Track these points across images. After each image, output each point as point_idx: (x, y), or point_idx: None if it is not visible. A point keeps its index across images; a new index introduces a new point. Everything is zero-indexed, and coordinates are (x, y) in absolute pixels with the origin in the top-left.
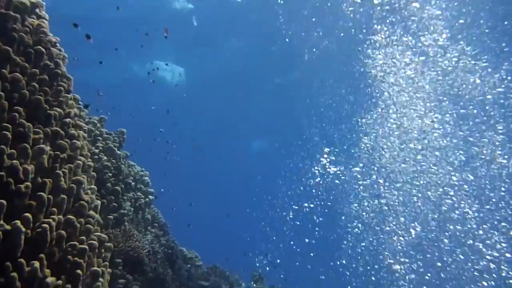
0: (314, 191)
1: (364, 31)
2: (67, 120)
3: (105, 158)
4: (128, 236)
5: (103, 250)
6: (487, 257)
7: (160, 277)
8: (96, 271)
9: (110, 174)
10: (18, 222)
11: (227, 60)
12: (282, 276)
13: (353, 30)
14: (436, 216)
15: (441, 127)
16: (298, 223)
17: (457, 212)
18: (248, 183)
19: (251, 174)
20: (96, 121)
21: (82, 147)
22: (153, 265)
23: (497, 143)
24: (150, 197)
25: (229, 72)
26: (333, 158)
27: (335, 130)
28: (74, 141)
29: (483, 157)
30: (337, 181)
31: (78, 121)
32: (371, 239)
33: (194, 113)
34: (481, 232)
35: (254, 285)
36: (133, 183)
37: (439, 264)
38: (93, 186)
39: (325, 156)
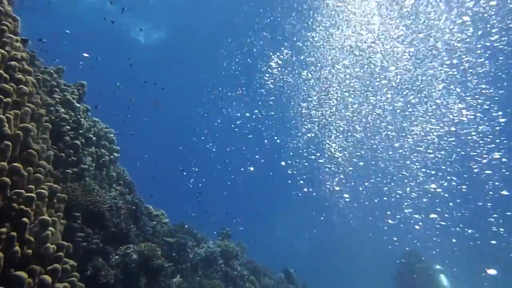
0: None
1: None
2: (13, 63)
3: (62, 110)
4: (88, 191)
5: (55, 201)
6: None
7: (123, 232)
8: (45, 220)
9: (68, 127)
10: None
11: None
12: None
13: None
14: None
15: None
16: None
17: None
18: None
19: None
20: (52, 71)
21: (31, 94)
22: (116, 220)
23: None
24: (115, 154)
25: None
26: None
27: None
28: (21, 86)
29: None
30: None
31: (27, 66)
32: None
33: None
34: None
35: (221, 241)
36: (94, 138)
37: None
38: (45, 136)
39: None
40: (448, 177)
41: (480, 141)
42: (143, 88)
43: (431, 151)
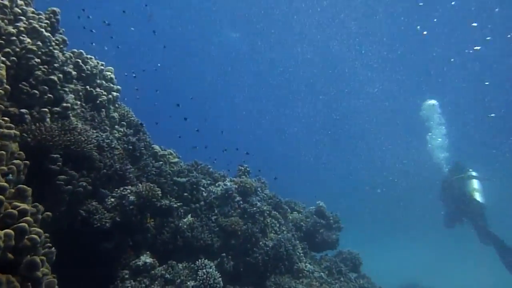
0: None
1: None
2: None
3: (28, 41)
4: (67, 130)
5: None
6: None
7: (118, 174)
8: None
9: (37, 60)
10: None
11: None
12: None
13: None
14: None
15: None
16: None
17: None
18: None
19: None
20: None
21: None
22: (109, 161)
23: None
24: (114, 93)
25: None
26: None
27: None
28: None
29: None
30: None
31: None
32: None
33: None
34: None
35: (240, 178)
36: (74, 73)
37: None
38: None
39: None
40: None
41: None
42: None
43: None
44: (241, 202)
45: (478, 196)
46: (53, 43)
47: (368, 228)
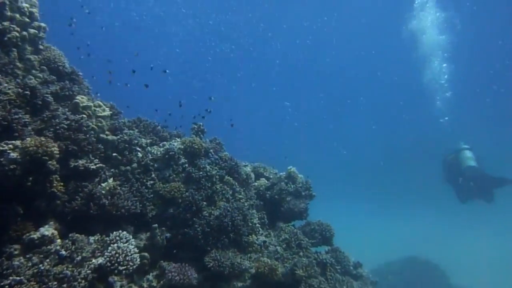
0: None
1: None
2: None
3: None
4: None
5: None
6: None
7: (2, 125)
8: None
9: None
10: None
11: None
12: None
13: None
14: None
15: None
16: None
17: None
18: None
19: None
20: None
21: None
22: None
23: None
24: (33, 31)
25: None
26: None
27: None
28: None
29: None
30: None
31: None
32: None
33: None
34: None
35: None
36: None
37: None
38: None
39: None
40: None
41: None
42: None
43: None
44: (187, 165)
45: (472, 162)
46: None
47: (372, 200)
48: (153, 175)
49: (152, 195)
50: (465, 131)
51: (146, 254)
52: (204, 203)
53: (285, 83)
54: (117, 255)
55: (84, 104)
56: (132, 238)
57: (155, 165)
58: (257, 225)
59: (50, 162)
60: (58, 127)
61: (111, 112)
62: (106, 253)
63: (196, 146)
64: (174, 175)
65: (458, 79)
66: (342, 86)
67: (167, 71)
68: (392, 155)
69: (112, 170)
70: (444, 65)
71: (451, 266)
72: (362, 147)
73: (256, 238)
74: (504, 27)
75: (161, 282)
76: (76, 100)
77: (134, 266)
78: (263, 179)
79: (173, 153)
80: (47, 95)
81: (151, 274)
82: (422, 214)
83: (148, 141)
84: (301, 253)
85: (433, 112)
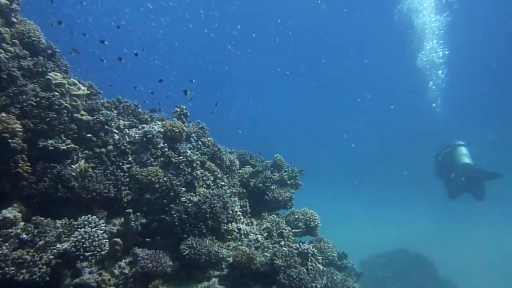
0: None
1: None
2: None
3: None
4: None
5: None
6: None
7: None
8: None
9: None
10: None
11: None
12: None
13: None
14: None
15: None
16: None
17: None
18: None
19: None
20: None
21: None
22: None
23: None
24: (3, 1)
25: None
26: None
27: None
28: None
29: None
30: None
31: None
32: None
33: None
34: None
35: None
36: None
37: None
38: None
39: None
40: None
41: None
42: None
43: None
44: (166, 149)
45: (467, 159)
46: None
47: (365, 192)
48: (130, 159)
49: (128, 179)
50: (457, 117)
51: (118, 240)
52: (183, 189)
53: (275, 68)
54: (83, 240)
55: (58, 82)
56: (104, 223)
57: (133, 148)
58: (239, 213)
59: (12, 140)
60: (25, 104)
61: (88, 92)
62: (71, 238)
63: (177, 130)
64: (152, 159)
65: (452, 61)
66: (332, 75)
67: (194, 80)
68: (385, 146)
69: (86, 152)
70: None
71: (441, 260)
72: (355, 138)
73: (236, 226)
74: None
75: (134, 269)
76: (49, 77)
77: (102, 252)
78: (249, 166)
79: (151, 136)
80: (13, 69)
81: (123, 260)
82: (415, 207)
83: (127, 123)
84: (282, 243)
85: (427, 98)
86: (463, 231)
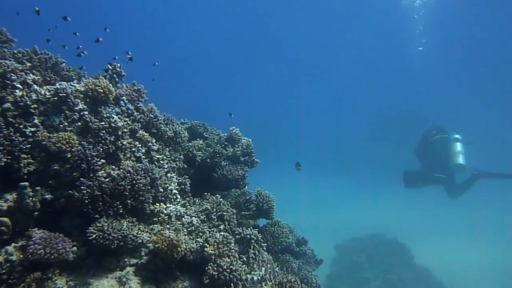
0: None
1: None
2: None
3: None
4: None
5: None
6: None
7: None
8: None
9: None
10: None
11: None
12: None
13: None
14: None
15: None
16: None
17: None
18: None
19: None
20: None
21: None
22: None
23: None
24: None
25: None
26: None
27: None
28: None
29: None
30: None
31: None
32: None
33: None
34: None
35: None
36: None
37: None
38: None
39: None
40: None
41: None
42: None
43: None
44: (86, 112)
45: (461, 159)
46: None
47: (346, 177)
48: (35, 121)
49: (30, 146)
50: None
51: (5, 219)
52: (102, 160)
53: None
54: None
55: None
56: None
57: (41, 109)
58: (174, 191)
59: None
60: None
61: None
62: None
63: (101, 90)
64: (67, 124)
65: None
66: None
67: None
68: (369, 130)
69: None
70: None
71: (419, 247)
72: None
73: (165, 207)
74: None
75: (23, 256)
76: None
77: None
78: (201, 139)
79: (64, 95)
80: None
81: (12, 244)
82: (395, 193)
83: (39, 78)
84: (221, 227)
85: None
86: (445, 222)
